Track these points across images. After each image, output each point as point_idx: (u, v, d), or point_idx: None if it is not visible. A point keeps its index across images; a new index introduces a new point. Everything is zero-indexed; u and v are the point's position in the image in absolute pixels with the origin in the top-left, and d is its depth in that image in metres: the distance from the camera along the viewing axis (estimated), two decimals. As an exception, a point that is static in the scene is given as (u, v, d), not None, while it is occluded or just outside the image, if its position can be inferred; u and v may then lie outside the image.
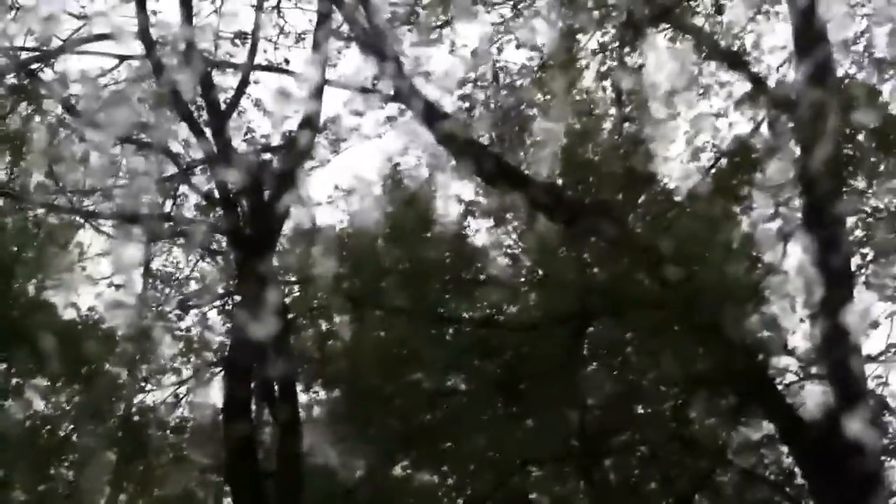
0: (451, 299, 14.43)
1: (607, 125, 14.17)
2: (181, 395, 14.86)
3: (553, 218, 12.68)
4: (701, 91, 12.39)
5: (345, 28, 12.77)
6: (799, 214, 11.62)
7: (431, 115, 11.85)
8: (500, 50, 13.23)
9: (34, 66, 12.45)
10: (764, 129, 11.94)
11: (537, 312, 14.42)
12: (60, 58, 12.42)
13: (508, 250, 14.41)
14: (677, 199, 13.06)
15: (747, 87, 11.94)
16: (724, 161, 12.52)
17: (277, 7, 13.01)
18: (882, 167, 11.45)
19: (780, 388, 11.95)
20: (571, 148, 13.79)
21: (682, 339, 12.02)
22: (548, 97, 13.58)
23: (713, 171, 12.57)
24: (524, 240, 14.12)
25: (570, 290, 13.42)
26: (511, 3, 12.97)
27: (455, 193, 13.72)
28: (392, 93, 12.87)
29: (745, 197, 12.02)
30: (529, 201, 12.45)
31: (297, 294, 14.22)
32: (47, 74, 12.54)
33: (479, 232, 14.19)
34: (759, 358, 12.12)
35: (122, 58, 12.58)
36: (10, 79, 12.47)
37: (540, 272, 14.43)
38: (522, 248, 14.36)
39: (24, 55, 12.32)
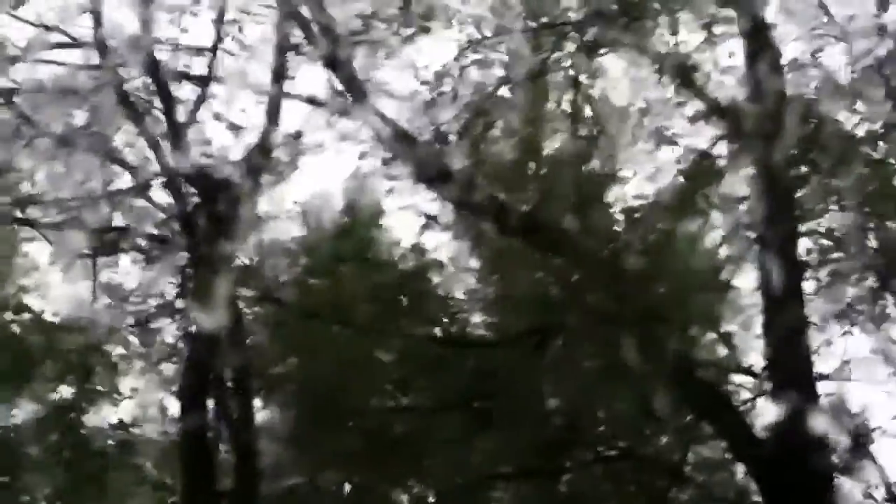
0: (410, 315, 14.46)
1: (562, 142, 14.27)
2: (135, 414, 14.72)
3: (507, 233, 12.73)
4: (656, 110, 12.48)
5: (304, 43, 12.66)
6: (754, 232, 11.76)
7: (390, 130, 11.87)
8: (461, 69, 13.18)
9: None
10: (720, 147, 12.05)
11: (497, 329, 14.53)
12: (15, 65, 12.26)
13: (468, 265, 14.49)
14: (634, 215, 13.18)
15: (702, 106, 12.04)
16: (680, 179, 12.62)
17: (236, 20, 12.92)
18: (834, 186, 11.58)
19: (735, 405, 12.03)
20: (524, 163, 13.90)
21: (639, 355, 12.11)
22: (505, 115, 13.65)
23: (669, 188, 12.67)
24: (482, 255, 14.18)
25: (529, 306, 13.50)
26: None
27: (413, 207, 13.62)
28: (350, 107, 12.92)
29: (701, 213, 12.12)
30: (486, 217, 12.51)
31: (255, 310, 14.08)
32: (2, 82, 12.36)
33: (438, 247, 14.26)
34: (715, 375, 12.26)
35: (80, 67, 12.45)
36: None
37: (499, 288, 14.52)
38: (481, 263, 14.43)
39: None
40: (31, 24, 12.41)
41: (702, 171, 11.75)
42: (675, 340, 11.11)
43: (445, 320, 14.38)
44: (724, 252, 12.33)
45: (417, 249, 14.15)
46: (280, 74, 12.62)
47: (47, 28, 12.39)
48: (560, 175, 13.83)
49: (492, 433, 13.69)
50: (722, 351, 13.11)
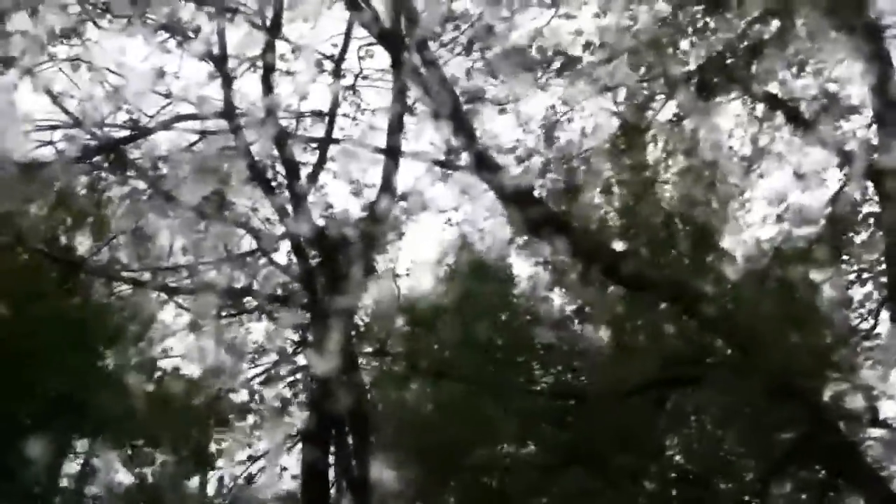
0: (525, 368, 14.44)
1: (676, 192, 14.18)
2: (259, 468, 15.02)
3: (624, 284, 12.64)
4: (774, 158, 12.31)
5: (420, 104, 13.00)
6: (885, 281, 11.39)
7: (503, 185, 12.02)
8: (568, 121, 13.29)
9: (121, 143, 12.95)
10: (845, 196, 11.75)
11: (614, 381, 14.33)
12: (146, 136, 12.90)
13: (583, 318, 14.40)
14: (753, 265, 12.93)
15: (823, 153, 11.82)
16: (802, 229, 12.35)
17: (353, 87, 13.37)
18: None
19: (871, 462, 11.52)
20: (640, 216, 13.83)
21: (765, 409, 11.77)
22: (615, 166, 13.66)
23: (792, 237, 12.41)
24: (598, 308, 14.08)
25: (647, 359, 13.30)
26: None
27: (529, 263, 13.72)
28: (465, 164, 13.16)
29: (828, 264, 11.80)
30: (602, 270, 12.46)
31: (375, 364, 14.29)
32: (134, 152, 13.02)
33: (554, 300, 14.25)
34: (849, 429, 11.77)
35: (205, 133, 13.03)
36: (99, 156, 12.97)
37: (616, 341, 14.37)
38: (597, 316, 14.32)
39: (111, 133, 12.90)
40: (163, 95, 13.09)
41: (834, 219, 11.49)
42: (809, 392, 10.75)
43: (563, 373, 14.31)
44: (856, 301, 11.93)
45: (533, 301, 14.15)
46: (396, 135, 12.95)
47: (178, 100, 13.01)
48: (676, 223, 13.75)
49: (613, 489, 13.48)
50: (857, 402, 12.62)
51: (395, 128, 12.97)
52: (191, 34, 12.74)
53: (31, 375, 12.03)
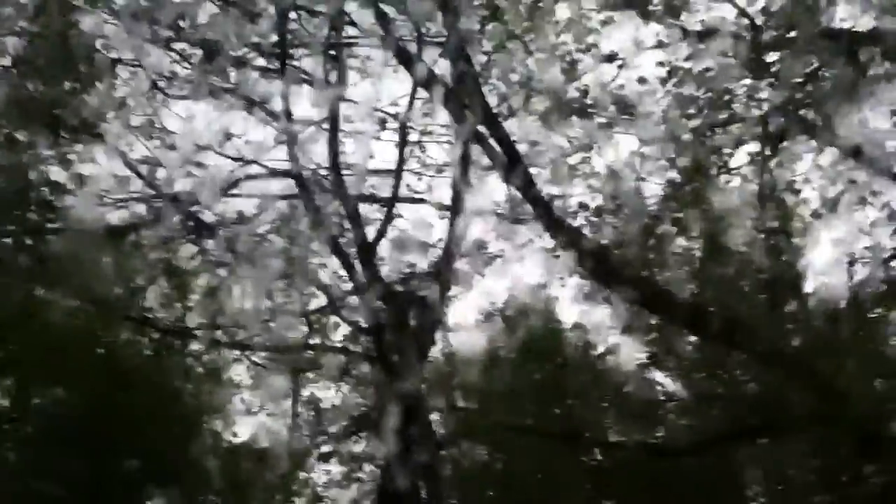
0: (597, 422, 14.24)
1: (750, 238, 13.96)
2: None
3: (699, 334, 12.45)
4: (853, 201, 12.04)
5: (484, 159, 13.09)
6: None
7: (570, 236, 12.00)
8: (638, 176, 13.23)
9: (194, 207, 13.28)
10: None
11: (689, 433, 14.03)
12: (218, 199, 13.23)
13: (656, 369, 14.18)
14: (832, 308, 12.62)
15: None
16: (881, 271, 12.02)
17: (419, 142, 13.56)
18: None
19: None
20: (712, 262, 13.62)
21: (850, 458, 11.40)
22: (687, 214, 13.51)
23: (871, 280, 12.08)
24: (672, 358, 13.86)
25: (722, 410, 13.01)
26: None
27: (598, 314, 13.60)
28: (530, 217, 13.20)
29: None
30: (674, 319, 12.29)
31: (446, 415, 14.24)
32: (207, 216, 13.35)
33: (625, 352, 14.07)
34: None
35: (275, 197, 13.29)
36: (174, 222, 13.31)
37: (690, 391, 14.10)
38: (671, 366, 14.09)
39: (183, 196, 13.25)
40: (232, 158, 13.43)
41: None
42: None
43: (639, 425, 14.06)
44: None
45: (609, 353, 14.02)
46: (461, 189, 13.04)
47: (247, 161, 13.32)
48: (751, 270, 13.51)
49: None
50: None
51: (461, 183, 13.08)
52: (258, 98, 13.13)
53: (131, 438, 12.29)
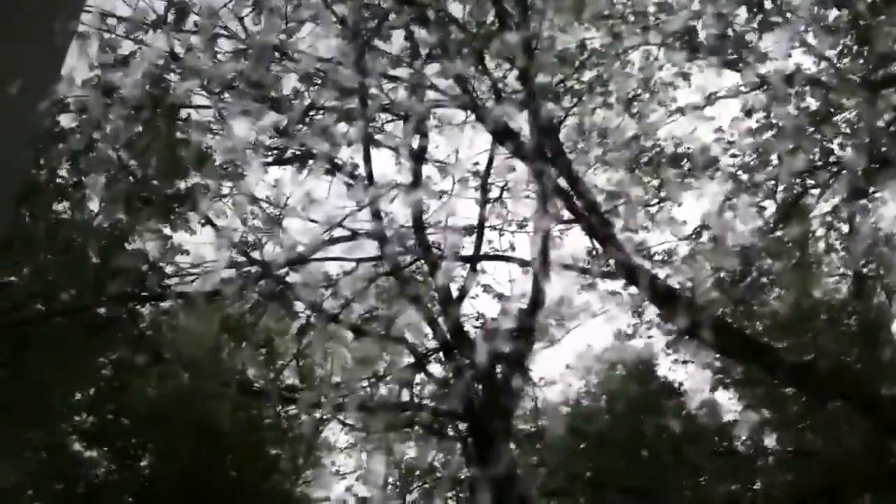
0: (696, 477, 13.92)
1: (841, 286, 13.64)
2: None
3: (797, 385, 12.12)
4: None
5: (563, 212, 13.13)
6: None
7: (655, 287, 11.89)
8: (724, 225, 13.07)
9: (283, 271, 13.59)
10: None
11: (787, 488, 13.59)
12: (306, 262, 13.49)
13: (754, 422, 13.83)
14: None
15: None
16: None
17: (500, 198, 13.67)
18: None
19: None
20: (806, 314, 13.32)
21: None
22: (779, 263, 13.28)
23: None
24: (769, 410, 13.51)
25: (822, 464, 12.60)
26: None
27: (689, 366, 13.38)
28: (613, 269, 13.13)
29: None
30: (771, 371, 12.00)
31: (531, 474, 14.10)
32: (294, 278, 13.62)
33: (719, 404, 13.79)
34: None
35: (359, 260, 13.52)
36: (263, 284, 13.62)
37: (791, 444, 13.71)
38: (768, 418, 13.73)
39: (271, 261, 13.57)
40: (317, 222, 13.72)
41: None
42: None
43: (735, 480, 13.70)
44: None
45: (702, 406, 13.75)
46: (544, 244, 13.07)
47: (332, 225, 13.59)
48: (841, 318, 13.18)
49: None
50: None
51: (542, 238, 13.11)
52: (340, 162, 13.46)
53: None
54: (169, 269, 12.58)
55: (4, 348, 11.23)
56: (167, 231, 12.32)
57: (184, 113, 12.83)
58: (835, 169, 12.22)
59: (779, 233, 12.87)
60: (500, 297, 13.67)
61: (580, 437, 13.92)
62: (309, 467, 14.24)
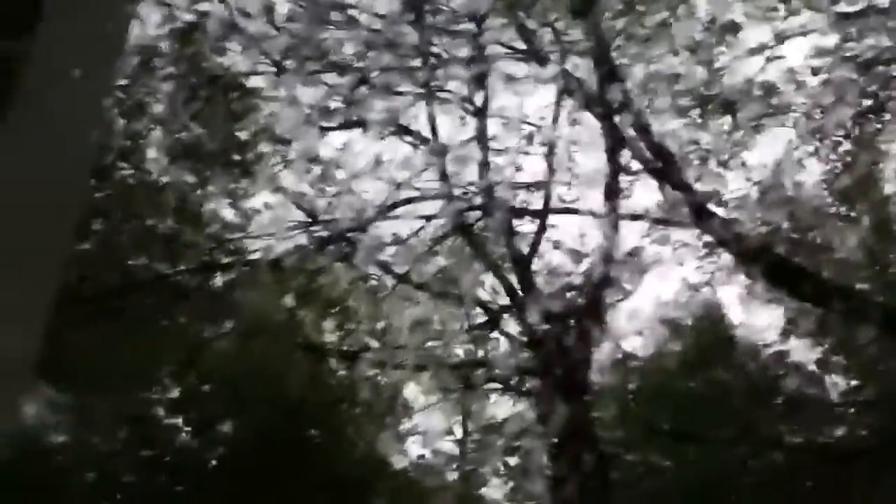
0: (764, 424, 13.79)
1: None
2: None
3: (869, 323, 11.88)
4: None
5: (633, 162, 12.95)
6: None
7: (729, 234, 11.70)
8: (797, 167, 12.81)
9: (352, 233, 13.60)
10: None
11: (868, 435, 13.41)
12: (374, 224, 13.52)
13: (828, 368, 13.63)
14: None
15: None
16: None
17: (567, 152, 13.49)
18: None
19: None
20: (882, 250, 13.05)
21: None
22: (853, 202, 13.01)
23: None
24: (846, 355, 13.29)
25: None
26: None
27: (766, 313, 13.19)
28: (686, 218, 12.94)
29: None
30: (847, 313, 11.78)
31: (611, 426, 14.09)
32: (364, 241, 13.63)
33: (796, 350, 13.57)
34: None
35: (429, 217, 13.49)
36: (333, 247, 13.68)
37: (867, 390, 13.50)
38: (845, 364, 13.52)
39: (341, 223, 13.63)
40: (386, 183, 13.66)
41: None
42: None
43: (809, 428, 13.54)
44: None
45: (777, 354, 13.56)
46: (614, 196, 12.92)
47: (398, 185, 13.57)
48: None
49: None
50: None
51: (612, 190, 12.96)
52: (404, 122, 13.40)
53: (305, 467, 12.72)
54: (242, 234, 12.70)
55: (89, 319, 11.42)
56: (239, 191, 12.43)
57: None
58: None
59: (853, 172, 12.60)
60: (571, 251, 13.56)
61: (657, 386, 13.84)
62: (387, 427, 14.38)
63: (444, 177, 13.09)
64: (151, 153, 12.85)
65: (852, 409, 13.55)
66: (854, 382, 13.57)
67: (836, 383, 13.74)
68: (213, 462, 13.54)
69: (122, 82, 12.05)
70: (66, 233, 2.49)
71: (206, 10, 12.12)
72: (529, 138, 13.23)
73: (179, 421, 13.45)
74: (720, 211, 12.88)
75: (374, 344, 14.02)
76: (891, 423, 12.43)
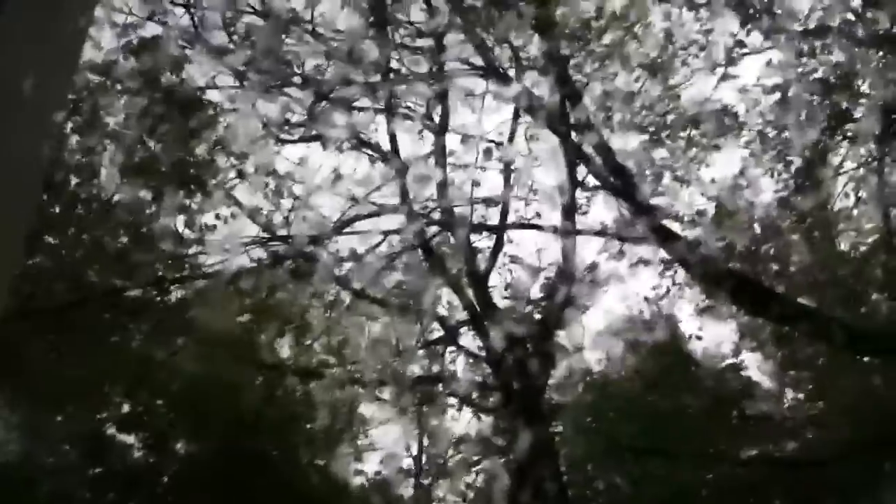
0: (723, 438, 13.90)
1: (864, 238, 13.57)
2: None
3: (832, 343, 12.05)
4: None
5: (590, 179, 13.06)
6: None
7: (683, 249, 11.81)
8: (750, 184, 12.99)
9: (309, 248, 13.51)
10: None
11: (821, 446, 13.58)
12: (332, 239, 13.45)
13: (783, 382, 13.81)
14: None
15: None
16: None
17: (524, 168, 13.57)
18: None
19: None
20: (832, 266, 13.26)
21: None
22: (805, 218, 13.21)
23: None
24: (800, 369, 13.48)
25: (859, 419, 12.55)
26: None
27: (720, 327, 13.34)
28: (642, 234, 13.04)
29: None
30: (801, 329, 11.94)
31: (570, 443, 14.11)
32: (321, 256, 13.56)
33: (750, 364, 13.74)
34: None
35: (386, 233, 13.45)
36: (289, 264, 13.56)
37: (821, 402, 13.68)
38: (799, 379, 13.71)
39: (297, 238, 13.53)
40: (344, 198, 13.60)
41: None
42: None
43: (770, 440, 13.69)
44: None
45: (733, 369, 13.69)
46: (571, 211, 13.00)
47: (356, 201, 13.52)
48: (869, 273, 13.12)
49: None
50: None
51: (569, 206, 13.03)
52: (364, 137, 13.38)
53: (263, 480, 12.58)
54: (197, 249, 12.54)
55: (42, 334, 11.21)
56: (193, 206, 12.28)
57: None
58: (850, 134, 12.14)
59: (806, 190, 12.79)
60: (528, 266, 13.61)
61: (613, 402, 13.89)
62: (344, 442, 14.26)
63: (402, 192, 13.09)
64: (105, 169, 12.69)
65: (805, 422, 13.71)
66: (801, 396, 13.76)
67: (790, 396, 13.93)
68: (166, 479, 13.33)
69: (77, 97, 11.90)
70: (15, 247, 2.43)
71: (165, 21, 11.99)
72: (488, 154, 13.29)
73: (131, 438, 13.22)
74: (676, 227, 13.05)
75: (331, 360, 13.92)
76: (845, 435, 12.63)
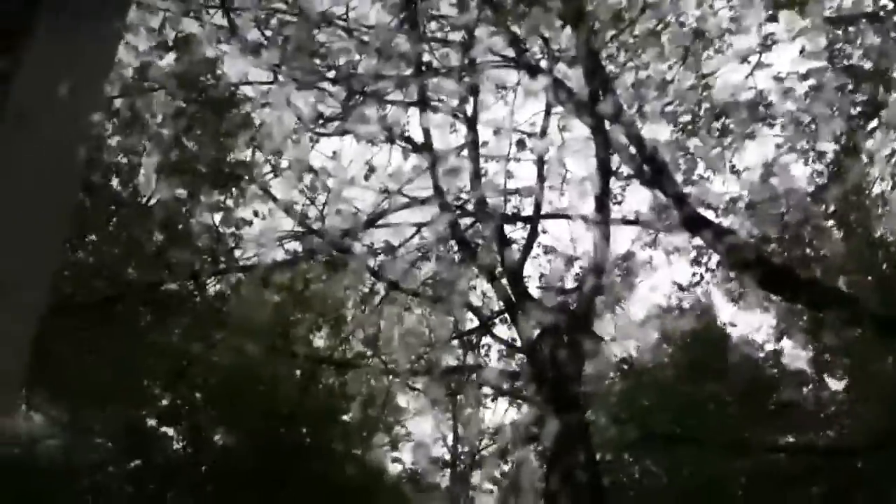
0: (758, 427, 13.83)
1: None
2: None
3: (866, 329, 11.93)
4: None
5: (623, 168, 13.02)
6: None
7: (719, 237, 11.74)
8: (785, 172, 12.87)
9: (344, 241, 13.61)
10: None
11: (857, 435, 13.47)
12: (367, 232, 13.53)
13: (819, 370, 13.69)
14: None
15: None
16: None
17: (558, 158, 13.55)
18: None
19: None
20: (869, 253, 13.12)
21: None
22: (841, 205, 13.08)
23: None
24: (839, 356, 13.36)
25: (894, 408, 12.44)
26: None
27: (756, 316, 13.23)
28: (676, 223, 12.98)
29: None
30: (836, 315, 11.83)
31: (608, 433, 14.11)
32: (355, 248, 13.66)
33: (788, 352, 13.65)
34: None
35: (420, 225, 13.51)
36: (323, 257, 13.68)
37: (857, 391, 13.56)
38: (834, 366, 13.59)
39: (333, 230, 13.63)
40: (378, 190, 13.67)
41: None
42: None
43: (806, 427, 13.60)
44: None
45: (771, 356, 13.61)
46: (604, 201, 12.95)
47: (391, 193, 13.58)
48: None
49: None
50: None
51: (602, 195, 12.99)
52: (398, 129, 13.42)
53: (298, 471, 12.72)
54: (233, 243, 12.70)
55: (83, 329, 11.43)
56: (229, 203, 12.43)
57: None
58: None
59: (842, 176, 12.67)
60: (562, 256, 13.60)
61: (650, 390, 13.87)
62: (379, 432, 14.39)
63: (435, 184, 13.12)
64: (144, 168, 12.89)
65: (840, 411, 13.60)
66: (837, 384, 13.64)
67: (829, 384, 13.81)
68: (204, 469, 13.55)
69: (115, 98, 12.09)
70: (55, 246, 2.52)
71: (199, 18, 12.12)
72: (521, 145, 13.28)
73: (171, 431, 13.45)
74: (710, 215, 12.97)
75: (367, 351, 14.03)
76: (882, 424, 12.51)
